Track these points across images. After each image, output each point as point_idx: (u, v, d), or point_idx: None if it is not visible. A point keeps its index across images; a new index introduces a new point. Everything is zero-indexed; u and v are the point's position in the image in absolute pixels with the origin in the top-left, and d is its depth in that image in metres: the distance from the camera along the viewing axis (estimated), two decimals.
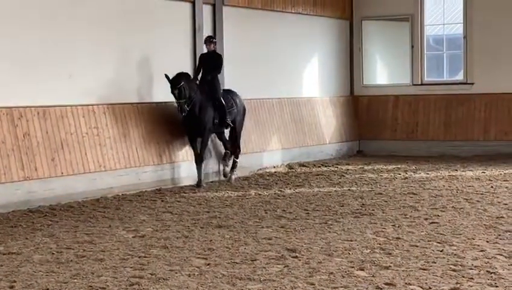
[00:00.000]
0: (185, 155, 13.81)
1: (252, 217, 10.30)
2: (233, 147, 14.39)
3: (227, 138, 14.44)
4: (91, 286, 6.70)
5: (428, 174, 14.72)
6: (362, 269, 7.16)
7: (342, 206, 11.09)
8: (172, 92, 12.92)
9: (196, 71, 13.79)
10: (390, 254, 7.81)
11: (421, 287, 6.45)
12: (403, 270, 7.06)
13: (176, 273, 7.14)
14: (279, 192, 12.70)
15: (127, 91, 13.16)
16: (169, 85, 12.91)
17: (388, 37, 19.66)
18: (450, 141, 18.21)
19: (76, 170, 11.97)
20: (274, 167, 15.98)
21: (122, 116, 12.96)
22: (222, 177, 14.35)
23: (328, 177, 14.52)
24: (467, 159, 17.07)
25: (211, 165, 14.32)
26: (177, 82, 12.89)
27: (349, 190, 12.81)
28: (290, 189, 13.05)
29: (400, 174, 14.80)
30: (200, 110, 13.35)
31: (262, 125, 16.13)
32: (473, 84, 18.04)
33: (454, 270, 7.05)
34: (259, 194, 12.48)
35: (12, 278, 7.04)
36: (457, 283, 6.58)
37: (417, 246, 8.14)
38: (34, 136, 11.50)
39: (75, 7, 12.39)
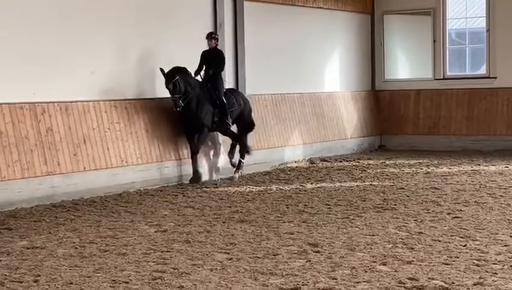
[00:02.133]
0: (206, 150, 13.81)
1: (273, 211, 10.30)
2: (239, 146, 13.97)
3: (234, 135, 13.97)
4: (114, 280, 6.74)
5: (450, 169, 14.65)
6: (385, 264, 7.14)
7: (364, 201, 11.06)
8: (167, 87, 12.64)
9: (198, 68, 13.35)
10: (412, 248, 7.78)
11: (444, 282, 6.42)
12: (425, 265, 7.03)
13: (198, 267, 7.16)
14: (300, 187, 12.69)
15: (148, 87, 13.20)
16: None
17: (410, 31, 19.57)
18: (472, 136, 18.11)
19: (98, 165, 12.03)
20: (295, 162, 15.98)
21: (143, 111, 13.00)
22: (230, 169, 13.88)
23: (349, 172, 14.49)
24: (490, 154, 16.99)
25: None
26: (171, 77, 12.59)
27: (371, 184, 12.78)
28: (311, 184, 13.04)
29: (422, 169, 14.74)
30: (197, 106, 13.01)
31: (284, 120, 16.12)
32: (495, 78, 17.92)
33: (477, 265, 7.02)
34: (281, 189, 12.48)
35: (37, 272, 7.10)
36: (480, 278, 6.54)
37: (440, 241, 8.10)
38: (56, 131, 11.57)
39: (96, 4, 12.44)
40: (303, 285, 6.43)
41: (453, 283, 6.39)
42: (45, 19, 11.69)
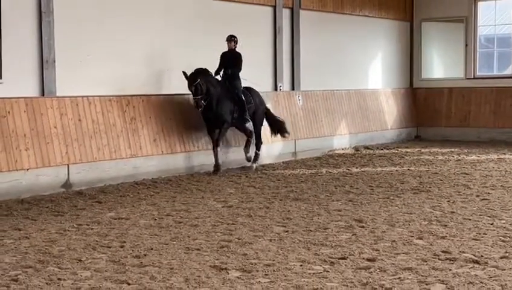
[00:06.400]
0: (264, 138, 13.77)
1: (323, 191, 10.26)
2: (254, 139, 12.96)
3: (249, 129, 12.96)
4: (188, 247, 6.80)
5: (479, 157, 14.37)
6: (421, 238, 7.05)
7: (402, 183, 10.93)
8: (189, 89, 11.82)
9: (218, 69, 12.46)
10: (446, 225, 7.67)
11: (474, 255, 6.31)
12: (457, 240, 6.92)
13: (259, 238, 7.17)
14: (347, 170, 12.60)
15: None
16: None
17: (445, 36, 19.21)
18: (499, 128, 17.73)
19: (174, 150, 12.13)
20: (342, 149, 15.87)
21: None
22: (247, 163, 12.89)
23: (389, 159, 14.33)
24: None
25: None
26: (193, 80, 11.76)
27: (408, 169, 12.62)
28: (356, 168, 12.93)
29: (453, 156, 14.49)
30: (217, 104, 12.12)
31: (333, 113, 16.02)
32: None
33: (503, 241, 6.88)
34: (330, 172, 12.41)
35: (122, 239, 7.21)
36: (506, 252, 6.42)
37: (470, 219, 7.97)
38: (139, 120, 11.71)
39: (169, 13, 12.55)
40: (349, 255, 6.40)
41: (481, 256, 6.28)
42: (129, 28, 11.84)
